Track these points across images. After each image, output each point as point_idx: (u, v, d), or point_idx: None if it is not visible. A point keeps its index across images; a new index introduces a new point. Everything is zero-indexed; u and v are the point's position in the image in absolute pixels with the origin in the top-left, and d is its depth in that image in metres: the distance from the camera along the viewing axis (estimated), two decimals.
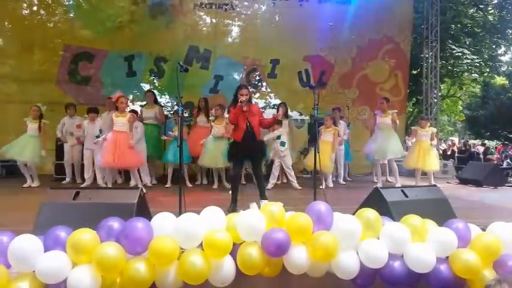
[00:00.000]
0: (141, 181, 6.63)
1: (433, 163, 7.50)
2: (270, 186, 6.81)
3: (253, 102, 5.18)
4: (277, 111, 7.65)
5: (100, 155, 6.17)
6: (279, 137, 6.90)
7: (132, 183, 6.45)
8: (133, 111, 7.13)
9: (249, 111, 4.78)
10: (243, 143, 4.77)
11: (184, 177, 7.02)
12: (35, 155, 6.80)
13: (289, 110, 9.92)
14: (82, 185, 6.59)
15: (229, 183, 4.93)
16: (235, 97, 4.80)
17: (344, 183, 8.01)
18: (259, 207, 4.20)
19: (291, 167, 7.07)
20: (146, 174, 6.94)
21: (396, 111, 7.32)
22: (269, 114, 7.95)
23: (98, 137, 6.67)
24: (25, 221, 3.27)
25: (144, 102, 9.12)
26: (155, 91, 11.07)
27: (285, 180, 7.66)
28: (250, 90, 5.69)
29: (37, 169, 7.10)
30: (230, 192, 4.95)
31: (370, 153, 7.62)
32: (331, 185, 7.45)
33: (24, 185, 6.89)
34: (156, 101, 7.73)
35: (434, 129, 7.85)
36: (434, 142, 7.59)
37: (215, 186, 7.03)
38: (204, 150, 6.85)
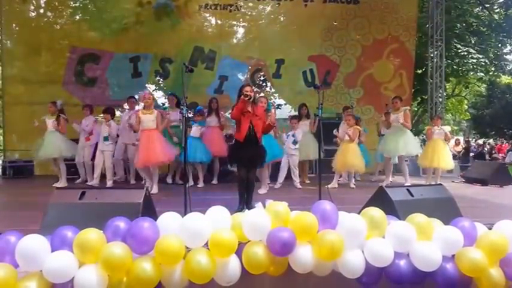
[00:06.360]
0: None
1: (448, 162, 7.44)
2: (277, 185, 6.81)
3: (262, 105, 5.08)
4: (299, 113, 7.62)
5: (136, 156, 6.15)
6: (293, 135, 6.91)
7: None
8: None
9: (253, 113, 4.65)
10: (245, 144, 4.61)
11: (199, 176, 7.06)
12: (62, 149, 6.80)
13: (293, 110, 9.90)
14: (90, 183, 6.63)
15: (237, 185, 4.82)
16: (239, 96, 4.66)
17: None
18: (264, 206, 4.22)
19: (297, 166, 7.06)
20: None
21: (408, 108, 7.18)
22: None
23: (106, 138, 6.69)
24: (32, 221, 3.30)
25: None
26: (160, 92, 11.14)
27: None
28: (255, 90, 5.58)
29: (46, 169, 7.05)
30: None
31: (382, 151, 7.52)
32: (352, 185, 7.29)
33: (55, 184, 6.64)
34: (178, 104, 7.52)
35: (447, 128, 7.72)
36: (450, 142, 7.48)
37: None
38: None
